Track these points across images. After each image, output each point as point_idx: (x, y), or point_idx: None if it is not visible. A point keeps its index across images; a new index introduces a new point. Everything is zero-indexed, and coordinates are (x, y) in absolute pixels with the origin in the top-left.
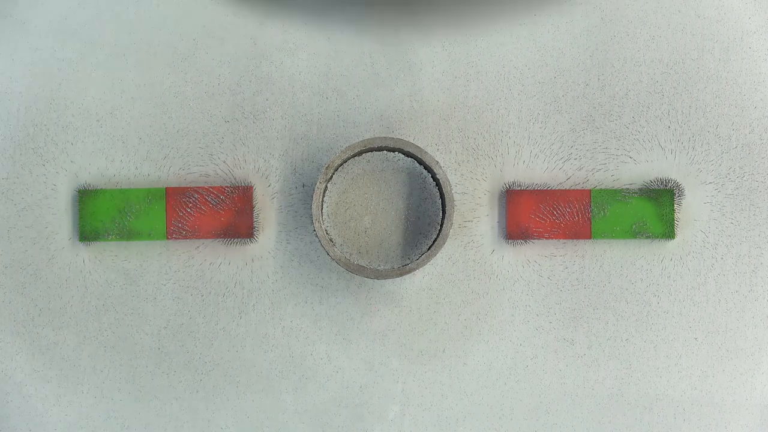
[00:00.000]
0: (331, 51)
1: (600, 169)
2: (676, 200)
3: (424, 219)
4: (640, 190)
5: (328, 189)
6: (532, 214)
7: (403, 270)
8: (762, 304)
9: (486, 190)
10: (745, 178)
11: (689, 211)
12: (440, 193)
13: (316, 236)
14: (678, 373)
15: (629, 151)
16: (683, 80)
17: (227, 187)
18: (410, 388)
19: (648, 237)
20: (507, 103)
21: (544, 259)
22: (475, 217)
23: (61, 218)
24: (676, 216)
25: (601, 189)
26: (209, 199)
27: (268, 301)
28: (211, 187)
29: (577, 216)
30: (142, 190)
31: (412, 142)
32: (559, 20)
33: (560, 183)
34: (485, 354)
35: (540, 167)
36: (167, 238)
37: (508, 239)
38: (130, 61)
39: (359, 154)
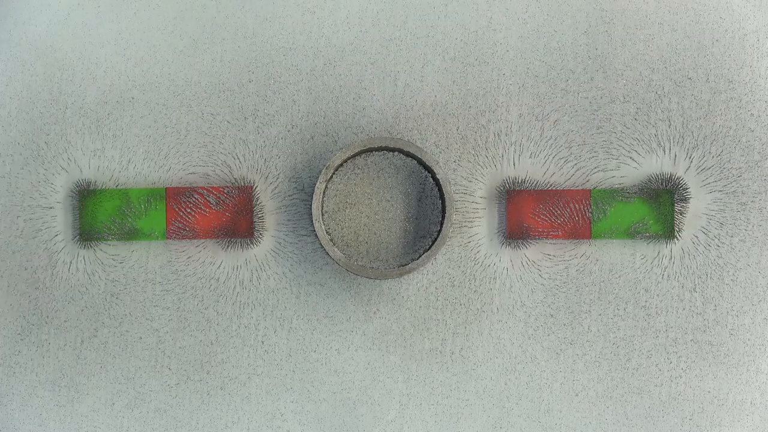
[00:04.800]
0: (330, 51)
1: (600, 169)
2: (676, 200)
3: (424, 219)
4: (640, 190)
5: (328, 189)
6: (532, 214)
7: (403, 270)
8: (763, 304)
9: (486, 190)
10: (745, 178)
11: (689, 211)
12: (440, 193)
13: (316, 236)
14: (678, 374)
15: (629, 151)
16: (683, 80)
17: (227, 186)
18: (410, 387)
19: (648, 237)
20: (507, 102)
21: (544, 259)
22: (475, 217)
23: (61, 218)
24: (676, 216)
25: (601, 189)
26: (209, 199)
27: (268, 301)
28: (211, 187)
29: (577, 216)
30: (142, 190)
31: (412, 142)
32: (559, 20)
33: (560, 183)
34: (485, 354)
35: (540, 167)
36: (167, 238)
37: (508, 239)
38: (130, 61)
39: (359, 154)
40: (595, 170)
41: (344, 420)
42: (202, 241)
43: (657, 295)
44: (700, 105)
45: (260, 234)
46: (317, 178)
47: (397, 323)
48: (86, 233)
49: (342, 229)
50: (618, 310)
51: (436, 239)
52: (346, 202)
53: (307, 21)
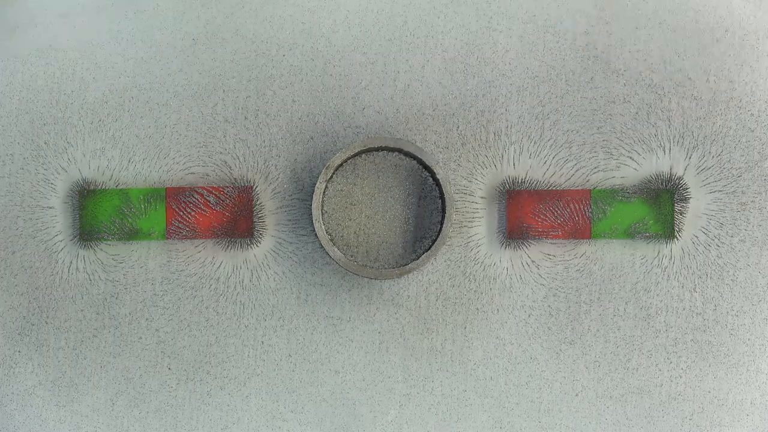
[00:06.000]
0: (330, 51)
1: (600, 169)
2: (676, 200)
3: (424, 219)
4: (640, 190)
5: (328, 189)
6: (532, 214)
7: (403, 270)
8: (763, 304)
9: (486, 190)
10: (745, 178)
11: (689, 211)
12: (440, 193)
13: (316, 236)
14: (678, 374)
15: (629, 151)
16: (683, 80)
17: (227, 186)
18: (410, 387)
19: (648, 237)
20: (507, 103)
21: (544, 259)
22: (475, 217)
23: (61, 218)
24: (676, 216)
25: (601, 189)
26: (209, 199)
27: (268, 301)
28: (211, 187)
29: (577, 216)
30: (142, 190)
31: (412, 142)
32: (559, 20)
33: (560, 183)
34: (485, 354)
35: (540, 167)
36: (167, 238)
37: (508, 239)
38: (130, 61)
39: (359, 154)
40: (595, 170)
41: (344, 420)
42: (202, 241)
43: (657, 295)
44: (700, 105)
45: (260, 234)
46: (317, 178)
47: (397, 323)
48: (86, 233)
49: (342, 229)
50: (618, 310)
51: (436, 239)
52: (346, 202)
53: (307, 21)
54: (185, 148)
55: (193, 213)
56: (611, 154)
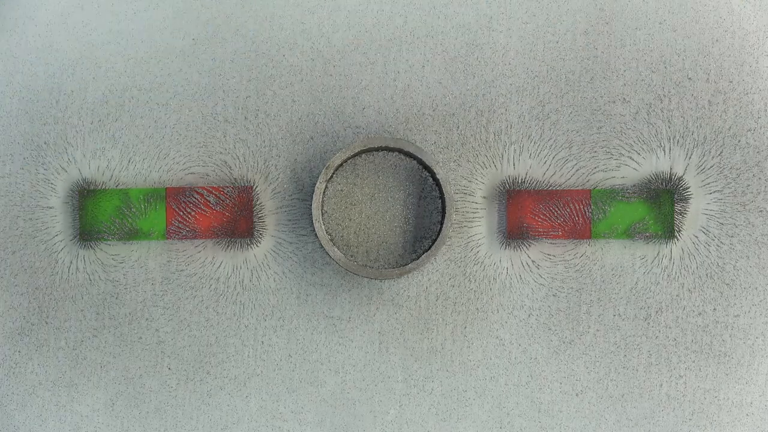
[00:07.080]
0: (330, 51)
1: (600, 169)
2: (676, 200)
3: (424, 219)
4: (641, 190)
5: (328, 189)
6: (532, 214)
7: (403, 270)
8: (763, 304)
9: (486, 190)
10: (745, 178)
11: (689, 211)
12: (440, 193)
13: (316, 236)
14: (678, 373)
15: (630, 151)
16: (684, 80)
17: (227, 186)
18: (410, 387)
19: (648, 237)
20: (507, 103)
21: (544, 259)
22: (475, 217)
23: (61, 218)
24: (676, 216)
25: (601, 189)
26: (209, 199)
27: (268, 301)
28: (211, 187)
29: (577, 216)
30: (142, 190)
31: (412, 142)
32: (559, 20)
33: (560, 183)
34: (484, 354)
35: (540, 167)
36: (167, 238)
37: (508, 239)
38: (129, 61)
39: (359, 154)
40: (595, 170)
41: (344, 420)
42: (202, 241)
43: (657, 295)
44: (700, 105)
45: (260, 234)
46: (317, 178)
47: (397, 323)
48: (86, 233)
49: (342, 229)
50: (618, 310)
51: (436, 239)
52: (346, 202)
53: (307, 21)
54: (185, 148)
55: (193, 213)
56: (611, 154)
